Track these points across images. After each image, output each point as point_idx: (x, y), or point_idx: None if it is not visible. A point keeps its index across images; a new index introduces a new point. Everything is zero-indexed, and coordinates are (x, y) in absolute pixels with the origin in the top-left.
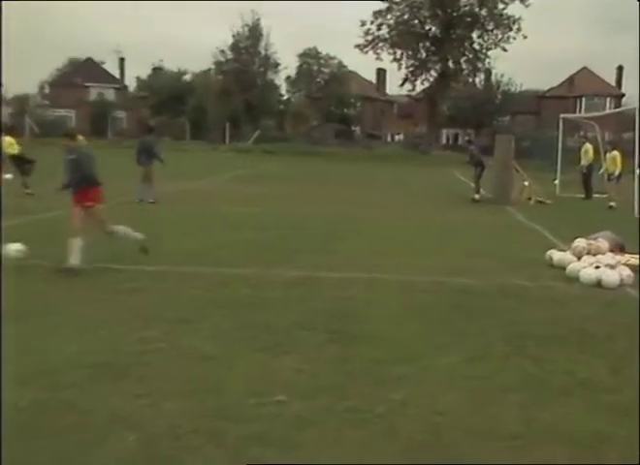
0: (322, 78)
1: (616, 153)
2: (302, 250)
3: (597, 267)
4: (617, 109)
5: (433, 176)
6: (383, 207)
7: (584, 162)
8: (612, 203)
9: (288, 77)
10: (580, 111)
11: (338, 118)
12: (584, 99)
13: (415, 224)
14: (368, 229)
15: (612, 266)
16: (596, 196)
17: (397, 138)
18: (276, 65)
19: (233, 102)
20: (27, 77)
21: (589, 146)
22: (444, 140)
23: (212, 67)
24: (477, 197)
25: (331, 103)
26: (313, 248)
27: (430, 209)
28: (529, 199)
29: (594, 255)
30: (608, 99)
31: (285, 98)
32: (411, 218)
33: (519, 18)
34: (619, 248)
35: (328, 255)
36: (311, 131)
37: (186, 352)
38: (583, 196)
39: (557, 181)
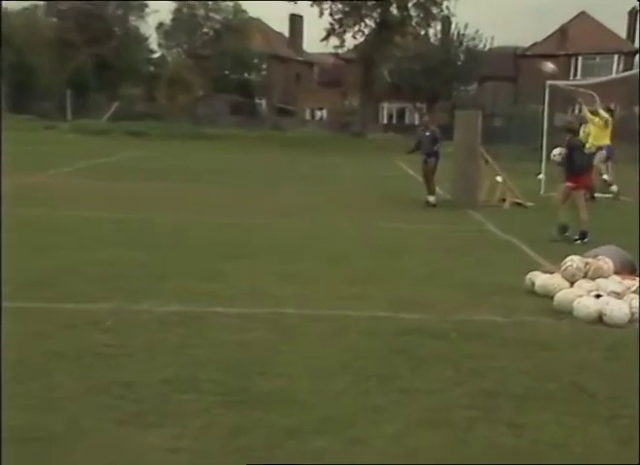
0: (211, 28)
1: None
2: (181, 274)
3: (598, 296)
4: (627, 73)
5: (370, 169)
6: (299, 213)
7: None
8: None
9: (161, 26)
10: (575, 76)
11: (235, 86)
12: (580, 58)
13: (345, 237)
14: (279, 244)
15: (618, 295)
16: (599, 196)
17: (318, 114)
18: (143, 6)
19: (76, 59)
20: None
21: (593, 124)
22: (385, 118)
23: (41, 2)
24: (432, 199)
25: (224, 64)
26: (198, 271)
27: (365, 216)
28: (503, 200)
29: (594, 279)
30: (615, 57)
31: (157, 56)
32: (339, 229)
33: None
34: (628, 269)
35: (219, 281)
36: (196, 104)
37: (7, 430)
38: (615, 189)
39: (541, 175)
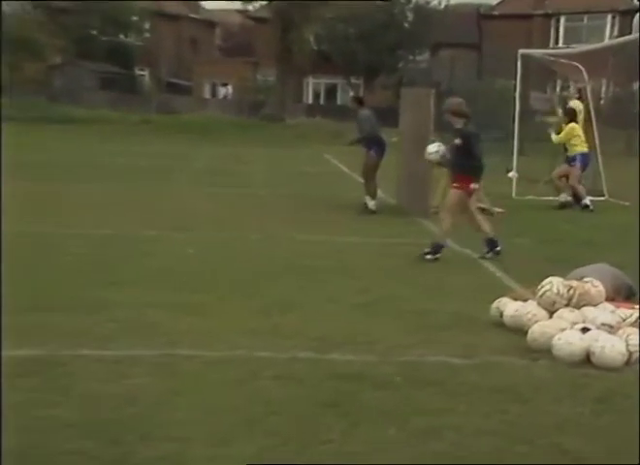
0: None
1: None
2: (42, 306)
3: (585, 330)
4: (624, 38)
5: (290, 164)
6: (198, 223)
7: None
8: (562, 197)
9: None
10: (557, 43)
11: (106, 52)
12: (563, 20)
13: (258, 254)
14: (172, 264)
15: (611, 329)
16: (592, 199)
17: (222, 91)
18: None
19: None
20: None
21: (569, 127)
22: (310, 98)
23: None
24: (372, 204)
25: (90, 21)
26: (66, 301)
27: (284, 227)
28: None
29: (579, 307)
30: (609, 18)
31: None
32: (250, 243)
33: None
34: (624, 294)
35: (94, 313)
36: (51, 75)
37: None
38: (562, 199)
39: (512, 173)
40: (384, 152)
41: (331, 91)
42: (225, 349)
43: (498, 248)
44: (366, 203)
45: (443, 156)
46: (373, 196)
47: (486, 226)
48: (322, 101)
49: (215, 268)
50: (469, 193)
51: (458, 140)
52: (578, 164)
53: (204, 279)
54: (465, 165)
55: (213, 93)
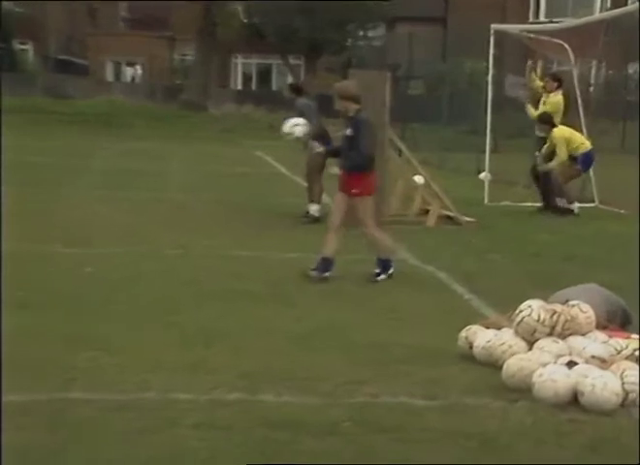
0: None
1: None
2: None
3: (572, 364)
4: (619, 10)
5: (214, 163)
6: (99, 236)
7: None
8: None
9: None
10: (537, 16)
11: None
12: None
13: (173, 274)
14: (62, 285)
15: (603, 363)
16: (581, 206)
17: (129, 73)
18: None
19: None
20: None
21: (557, 98)
22: (239, 82)
23: None
24: (315, 209)
25: None
26: None
27: (205, 240)
28: (425, 213)
29: (565, 336)
30: None
31: None
32: (164, 261)
33: None
34: (619, 320)
35: None
36: None
37: None
38: (541, 204)
39: (485, 174)
40: (332, 150)
41: (264, 74)
42: (133, 390)
43: (392, 270)
44: (308, 210)
45: (307, 135)
46: (317, 200)
47: (384, 241)
48: (254, 85)
49: (122, 291)
50: (365, 190)
51: (349, 130)
52: (580, 166)
53: (107, 305)
54: (360, 158)
55: (117, 75)
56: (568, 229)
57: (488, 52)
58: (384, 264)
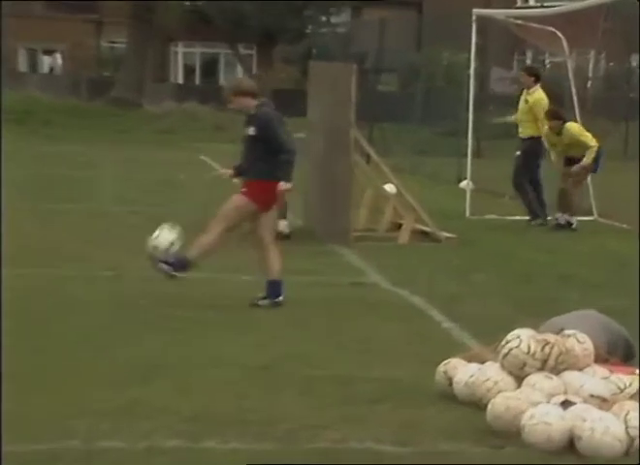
0: None
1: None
2: None
3: (568, 404)
4: None
5: (154, 170)
6: (12, 256)
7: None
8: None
9: None
10: (526, 1)
11: None
12: None
13: (104, 299)
14: None
15: (604, 402)
16: (577, 220)
17: (46, 63)
18: None
19: None
20: None
21: (539, 94)
22: (180, 75)
23: None
24: (283, 225)
25: None
26: None
27: (145, 260)
28: (398, 228)
29: (559, 371)
30: None
31: None
32: (93, 283)
33: None
34: (621, 352)
35: None
36: None
37: None
38: (529, 217)
39: (466, 182)
40: (290, 157)
41: (210, 65)
42: (55, 439)
43: (281, 297)
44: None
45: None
46: (284, 214)
47: (276, 262)
48: (197, 79)
49: (43, 320)
50: (266, 203)
51: (252, 130)
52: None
53: (25, 337)
54: (267, 163)
55: (33, 65)
56: (563, 246)
57: (469, 42)
58: (273, 288)
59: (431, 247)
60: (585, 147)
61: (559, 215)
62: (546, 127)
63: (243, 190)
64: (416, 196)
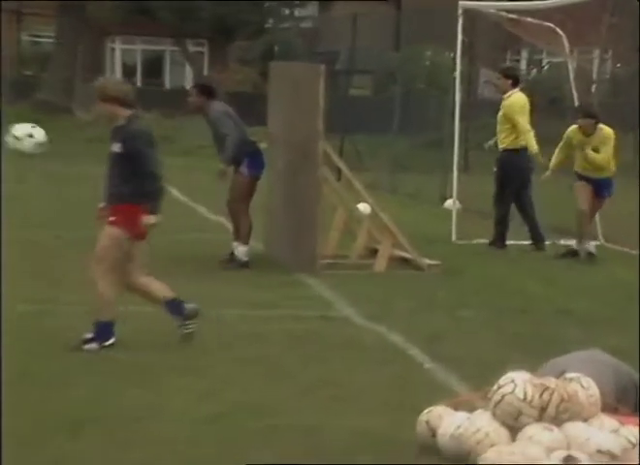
0: None
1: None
2: None
3: (570, 460)
4: None
5: (88, 187)
6: None
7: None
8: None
9: None
10: None
11: None
12: None
13: (27, 338)
14: None
15: (614, 458)
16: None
17: None
18: None
19: None
20: None
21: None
22: (118, 73)
23: None
24: (242, 251)
25: None
26: None
27: (79, 292)
28: (373, 253)
29: (560, 422)
30: None
31: None
32: (12, 319)
33: None
34: (632, 400)
35: None
36: None
37: None
38: (531, 242)
39: (451, 201)
40: (262, 167)
41: (153, 64)
42: None
43: (111, 341)
44: (233, 252)
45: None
46: (246, 239)
47: (107, 307)
48: (138, 80)
49: None
50: (134, 231)
51: (117, 146)
52: (605, 191)
53: None
54: (130, 185)
55: None
56: (563, 275)
57: (455, 39)
58: (103, 330)
59: (411, 276)
60: (600, 167)
61: (587, 243)
62: (574, 126)
63: (111, 219)
64: (394, 217)
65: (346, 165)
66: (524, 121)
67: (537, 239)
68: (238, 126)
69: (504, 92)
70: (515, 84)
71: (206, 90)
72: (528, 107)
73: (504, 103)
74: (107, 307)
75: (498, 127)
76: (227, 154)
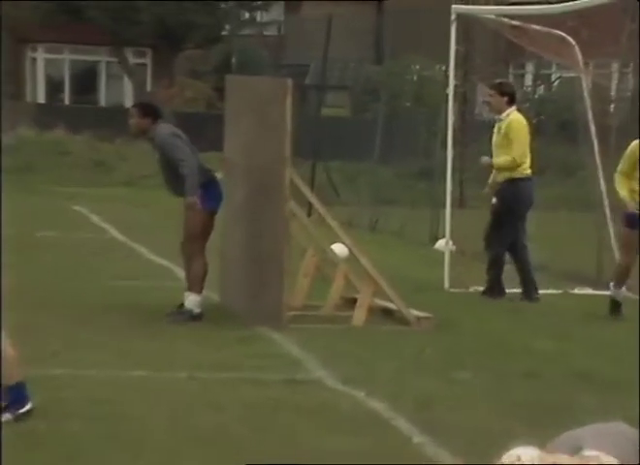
0: None
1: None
2: None
3: None
4: None
5: (9, 225)
6: None
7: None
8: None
9: None
10: None
11: None
12: None
13: None
14: None
15: None
16: (595, 294)
17: None
18: None
19: None
20: None
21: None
22: (41, 90)
23: None
24: (194, 301)
25: None
26: None
27: None
28: (351, 303)
29: None
30: None
31: None
32: None
33: None
34: None
35: None
36: None
37: None
38: (522, 290)
39: (444, 241)
40: (219, 199)
41: (85, 78)
42: None
43: (26, 408)
44: (184, 302)
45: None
46: (199, 287)
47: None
48: (67, 97)
49: None
50: None
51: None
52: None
53: None
54: None
55: None
56: (577, 330)
57: (447, 50)
58: (17, 397)
59: (396, 331)
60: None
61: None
62: (637, 141)
63: None
64: (375, 260)
65: (318, 197)
66: (524, 146)
67: (529, 287)
68: (192, 150)
69: (499, 112)
70: (511, 102)
71: (149, 111)
72: (527, 130)
73: (502, 123)
74: (11, 373)
75: (496, 151)
76: (190, 182)
